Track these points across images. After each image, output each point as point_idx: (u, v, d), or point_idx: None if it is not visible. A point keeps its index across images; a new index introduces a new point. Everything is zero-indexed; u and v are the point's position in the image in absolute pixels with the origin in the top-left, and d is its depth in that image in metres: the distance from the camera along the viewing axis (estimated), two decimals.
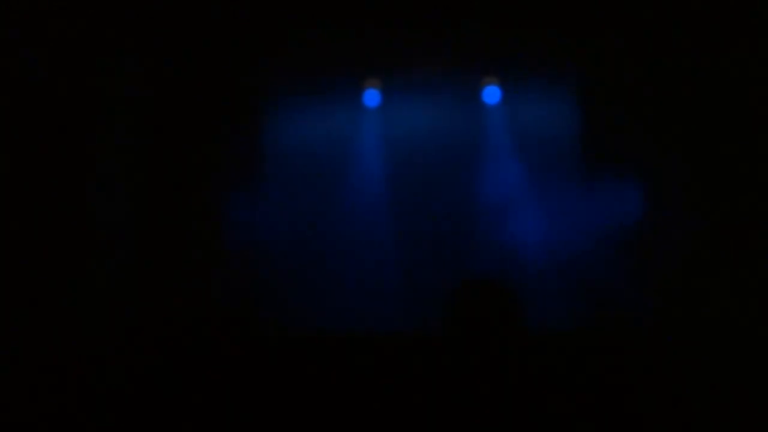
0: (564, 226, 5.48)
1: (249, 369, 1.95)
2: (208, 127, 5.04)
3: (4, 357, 2.98)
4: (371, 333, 4.96)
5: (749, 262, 3.97)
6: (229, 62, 5.07)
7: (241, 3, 4.59)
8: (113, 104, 4.36)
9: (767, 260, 3.90)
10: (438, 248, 5.52)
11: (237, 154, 5.31)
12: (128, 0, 4.31)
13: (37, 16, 3.71)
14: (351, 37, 5.03)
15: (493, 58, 5.36)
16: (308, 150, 5.65)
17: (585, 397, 1.72)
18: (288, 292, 5.39)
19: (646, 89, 4.92)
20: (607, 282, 5.15)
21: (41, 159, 3.74)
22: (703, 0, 4.23)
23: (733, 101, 4.17)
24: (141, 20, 4.47)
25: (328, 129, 5.70)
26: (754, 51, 4.07)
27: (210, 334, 1.94)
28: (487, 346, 1.72)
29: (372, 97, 5.59)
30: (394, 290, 5.48)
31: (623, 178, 5.15)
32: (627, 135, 5.11)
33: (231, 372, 1.94)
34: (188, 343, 1.99)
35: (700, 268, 4.25)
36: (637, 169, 5.05)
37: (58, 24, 3.84)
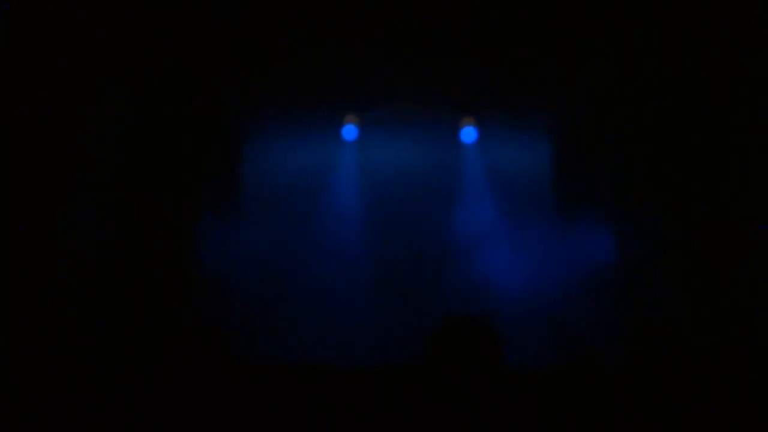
0: (537, 265, 5.54)
1: (216, 399, 1.92)
2: (187, 154, 5.02)
3: None
4: (342, 366, 4.92)
5: (722, 304, 4.02)
6: (211, 90, 5.09)
7: (225, 33, 4.63)
8: (91, 128, 4.33)
9: (742, 303, 3.97)
10: (411, 283, 5.54)
11: (215, 183, 5.30)
12: (111, 26, 4.32)
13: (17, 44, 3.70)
14: (332, 71, 5.08)
15: (471, 98, 5.46)
16: (286, 181, 5.68)
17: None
18: (259, 323, 5.35)
19: (620, 131, 5.03)
20: (578, 322, 5.19)
21: (12, 187, 3.70)
22: (676, 43, 4.35)
23: (708, 143, 4.27)
24: (124, 46, 4.48)
25: (306, 160, 5.73)
26: (728, 95, 4.19)
27: (178, 361, 1.92)
28: (468, 382, 1.73)
29: (350, 131, 5.66)
30: (366, 323, 5.47)
31: (596, 219, 5.23)
32: (600, 176, 5.21)
33: (198, 401, 1.91)
34: (156, 369, 1.96)
35: (671, 310, 4.30)
36: (610, 209, 5.14)
37: (40, 49, 3.82)
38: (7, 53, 3.60)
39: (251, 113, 5.56)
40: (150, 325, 4.40)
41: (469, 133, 5.70)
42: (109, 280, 4.34)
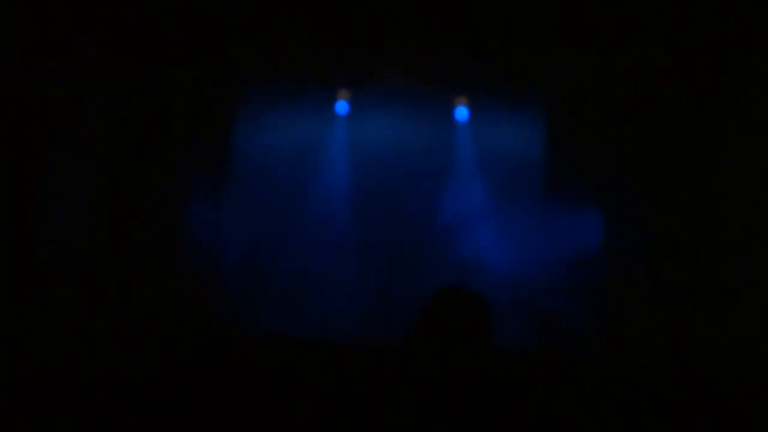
0: (522, 245, 5.58)
1: (204, 373, 1.94)
2: (176, 130, 4.99)
3: None
4: (331, 339, 4.96)
5: (706, 289, 4.07)
6: (201, 65, 5.04)
7: (218, 11, 4.57)
8: (79, 102, 4.29)
9: (727, 289, 4.01)
10: (399, 258, 5.57)
11: (205, 158, 5.28)
12: (103, 3, 4.25)
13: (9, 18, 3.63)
14: (324, 46, 5.05)
15: (464, 77, 5.45)
16: (276, 156, 5.65)
17: (530, 417, 1.75)
18: (247, 297, 5.37)
19: (611, 116, 5.05)
20: (561, 304, 5.25)
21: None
22: (672, 25, 4.34)
23: (699, 131, 4.29)
24: (116, 22, 4.41)
25: (297, 136, 5.70)
26: (719, 79, 4.20)
27: (167, 336, 1.93)
28: (456, 356, 1.75)
29: (342, 106, 5.66)
30: (353, 299, 5.51)
31: (584, 201, 5.27)
32: (589, 159, 5.24)
33: (186, 373, 1.93)
34: (147, 346, 1.98)
35: (655, 296, 4.35)
36: (598, 192, 5.17)
37: (31, 24, 3.76)
38: None
39: (241, 88, 5.53)
40: (139, 300, 4.41)
41: (461, 113, 5.71)
42: (98, 258, 4.33)
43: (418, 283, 5.44)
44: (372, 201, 5.69)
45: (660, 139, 4.49)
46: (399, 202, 5.67)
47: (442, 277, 5.48)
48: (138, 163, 4.81)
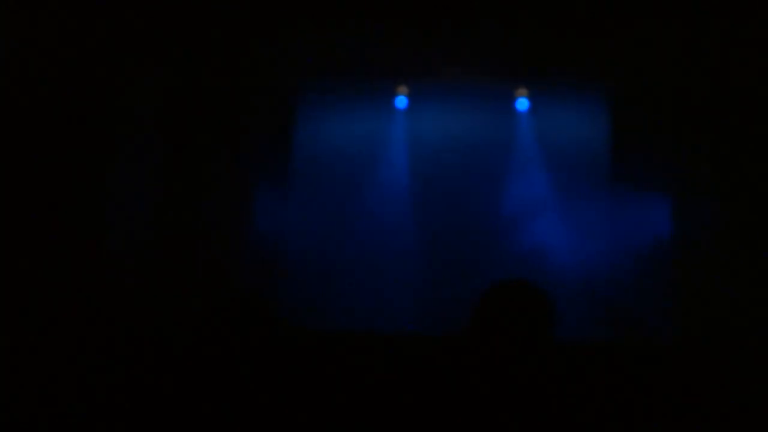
0: (590, 237, 5.46)
1: (265, 365, 1.97)
2: (241, 124, 5.09)
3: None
4: (391, 333, 4.98)
5: None
6: (264, 62, 5.12)
7: (278, 3, 4.63)
8: (142, 99, 4.41)
9: None
10: (461, 253, 5.53)
11: (268, 152, 5.36)
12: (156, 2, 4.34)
13: (52, 26, 3.76)
14: (385, 39, 5.05)
15: (523, 66, 5.36)
16: (337, 150, 5.71)
17: (598, 409, 1.72)
18: (309, 290, 5.43)
19: (676, 100, 4.88)
20: (630, 296, 5.12)
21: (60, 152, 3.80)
22: (731, 12, 4.17)
23: (765, 119, 4.12)
24: (172, 19, 4.51)
25: (357, 130, 5.75)
26: None
27: (230, 329, 1.97)
28: (514, 348, 1.72)
29: (401, 101, 5.67)
30: (415, 292, 5.50)
31: (652, 190, 5.11)
32: (657, 146, 5.08)
33: (247, 367, 1.96)
34: (208, 336, 2.02)
35: (728, 284, 4.20)
36: (666, 180, 5.01)
37: (79, 31, 3.88)
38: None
39: (301, 81, 5.60)
40: (202, 293, 4.52)
41: (522, 104, 5.64)
42: (165, 250, 4.44)
43: (480, 277, 5.38)
44: (433, 194, 5.68)
45: (729, 124, 4.31)
46: (460, 195, 5.63)
47: (505, 270, 5.42)
48: (204, 156, 4.91)
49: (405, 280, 5.55)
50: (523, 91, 5.63)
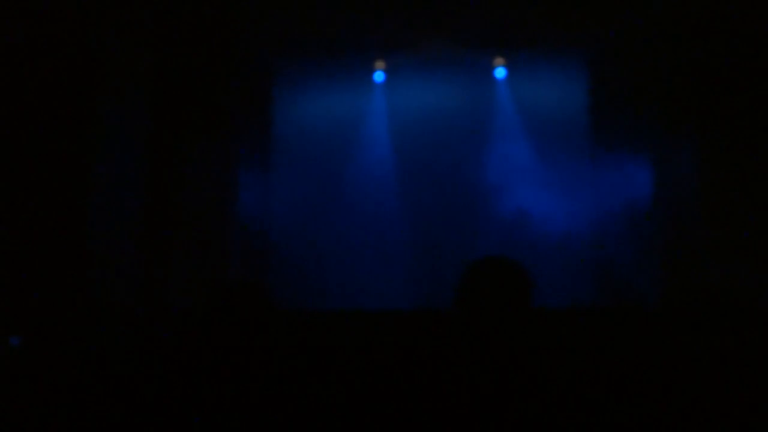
0: (573, 201, 5.49)
1: (257, 345, 1.97)
2: (220, 108, 5.01)
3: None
4: (379, 308, 5.00)
5: (759, 241, 3.94)
6: (239, 42, 5.04)
7: None
8: (123, 83, 4.34)
9: None
10: (446, 223, 5.56)
11: (248, 135, 5.31)
12: None
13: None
14: (359, 16, 4.98)
15: (502, 35, 5.32)
16: (318, 129, 5.68)
17: (587, 375, 1.74)
18: (293, 269, 5.42)
19: (655, 66, 4.87)
20: (615, 259, 5.16)
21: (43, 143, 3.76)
22: None
23: (745, 79, 4.13)
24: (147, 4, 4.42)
25: (336, 106, 5.71)
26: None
27: (220, 311, 1.97)
28: (496, 322, 1.75)
29: (379, 75, 5.66)
30: (400, 266, 5.52)
31: (632, 154, 5.12)
32: (636, 110, 5.08)
33: (241, 350, 1.97)
34: (198, 320, 2.02)
35: (707, 246, 4.24)
36: (646, 144, 5.02)
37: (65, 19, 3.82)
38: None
39: (277, 59, 5.54)
40: (190, 276, 4.50)
41: (500, 73, 5.64)
42: (146, 239, 4.41)
43: (466, 246, 5.41)
44: (415, 167, 5.67)
45: (709, 84, 4.31)
46: (442, 167, 5.63)
47: (491, 239, 5.45)
48: (185, 143, 4.84)
49: (393, 254, 5.56)
50: (501, 60, 5.62)
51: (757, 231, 4.04)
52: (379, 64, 5.63)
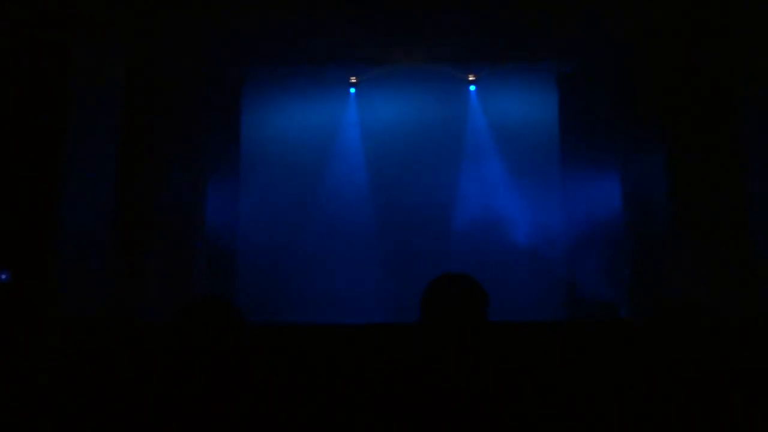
0: (541, 215, 5.54)
1: (226, 358, 1.95)
2: (188, 117, 4.98)
3: None
4: (350, 322, 4.97)
5: (726, 255, 4.00)
6: (210, 52, 5.02)
7: None
8: (89, 92, 4.29)
9: (745, 254, 3.95)
10: (417, 236, 5.56)
11: (217, 143, 5.28)
12: None
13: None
14: (332, 29, 4.98)
15: (474, 52, 5.37)
16: (287, 141, 5.67)
17: (549, 386, 1.75)
18: (266, 280, 5.38)
19: (623, 83, 4.96)
20: (583, 272, 5.20)
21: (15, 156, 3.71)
22: None
23: (714, 94, 4.20)
24: (120, 9, 4.38)
25: (308, 118, 5.71)
26: (733, 50, 4.12)
27: (188, 325, 1.95)
28: (453, 334, 1.77)
29: (351, 88, 5.71)
30: (370, 280, 5.50)
31: (600, 170, 5.20)
32: (604, 127, 5.16)
33: (209, 366, 1.94)
34: (167, 333, 2.00)
35: (676, 262, 4.29)
36: (614, 160, 5.10)
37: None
38: None
39: (247, 70, 5.53)
40: (161, 286, 4.45)
41: (471, 87, 5.73)
42: (119, 243, 4.35)
43: (437, 258, 5.41)
44: (386, 179, 5.69)
45: (676, 102, 4.38)
46: (414, 179, 5.66)
47: (461, 251, 5.45)
48: (155, 152, 4.78)
49: (363, 267, 5.55)
50: (472, 76, 5.69)
51: (722, 243, 4.11)
52: (352, 75, 5.65)
